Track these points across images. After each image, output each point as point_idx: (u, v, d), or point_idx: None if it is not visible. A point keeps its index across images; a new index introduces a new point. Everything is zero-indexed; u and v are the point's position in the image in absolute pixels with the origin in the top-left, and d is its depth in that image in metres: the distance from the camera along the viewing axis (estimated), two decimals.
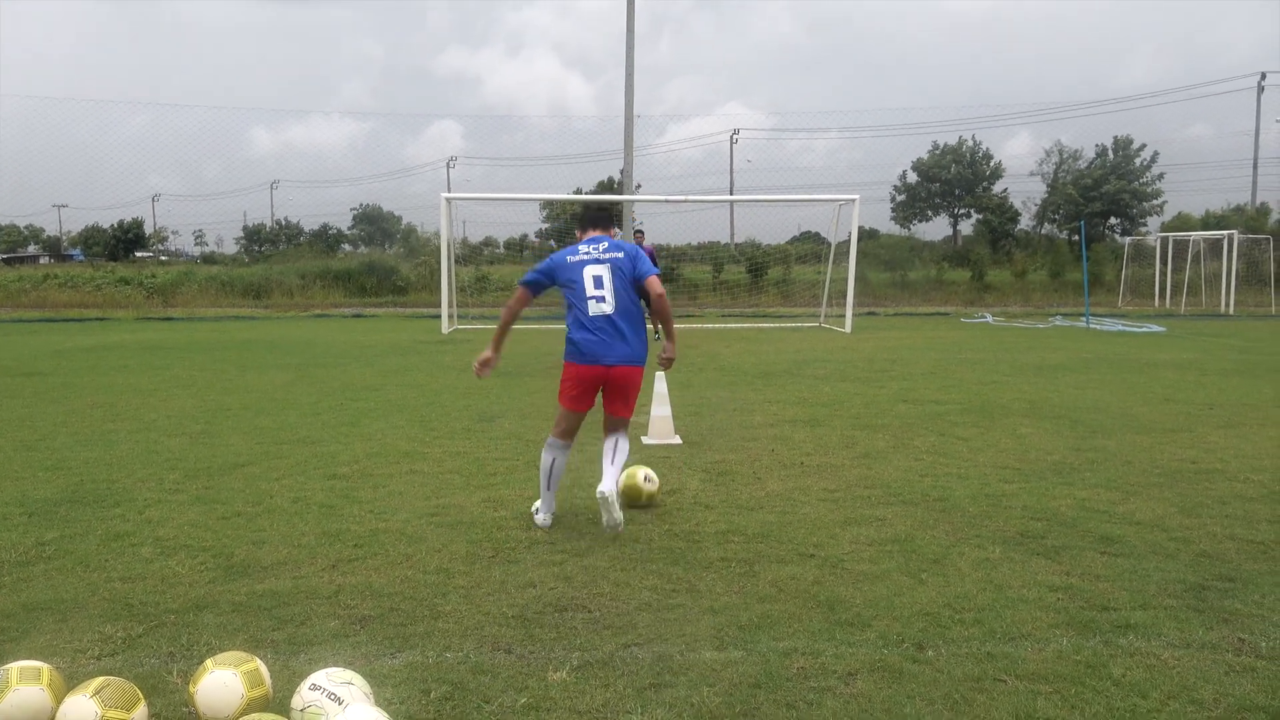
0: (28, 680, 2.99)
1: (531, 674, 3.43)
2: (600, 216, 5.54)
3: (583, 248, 5.28)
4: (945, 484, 6.18)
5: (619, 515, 5.00)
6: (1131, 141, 46.08)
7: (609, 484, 5.00)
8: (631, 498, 5.66)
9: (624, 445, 5.26)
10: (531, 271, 5.43)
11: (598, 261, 5.19)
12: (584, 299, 5.14)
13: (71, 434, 8.00)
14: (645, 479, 5.74)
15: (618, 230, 5.79)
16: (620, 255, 5.21)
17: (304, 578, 4.45)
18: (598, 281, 5.16)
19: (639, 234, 18.49)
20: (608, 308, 5.11)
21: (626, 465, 5.57)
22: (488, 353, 5.36)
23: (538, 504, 5.38)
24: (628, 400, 5.27)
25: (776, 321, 23.95)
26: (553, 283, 5.34)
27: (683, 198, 25.33)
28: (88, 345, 17.02)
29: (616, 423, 5.30)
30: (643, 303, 5.23)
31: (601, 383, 5.19)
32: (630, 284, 5.18)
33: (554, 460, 5.27)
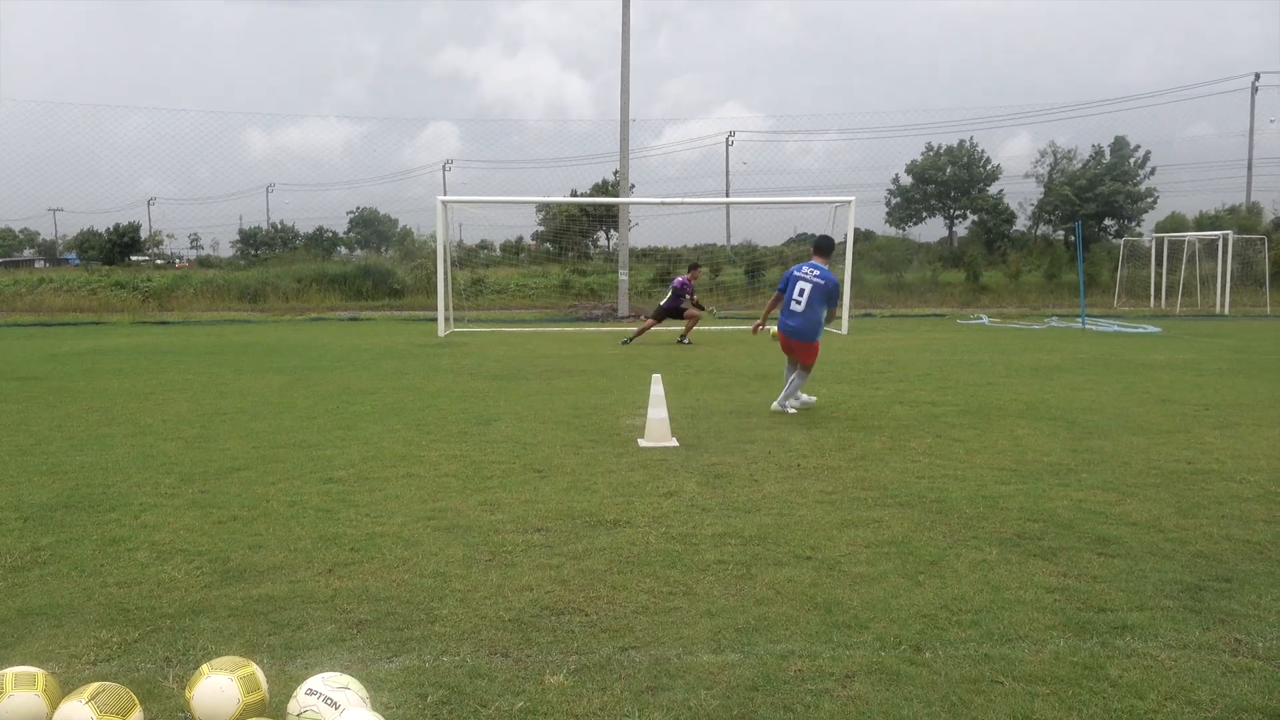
0: (23, 686, 2.98)
1: (528, 678, 3.43)
2: (826, 248, 9.61)
3: (805, 268, 9.21)
4: (942, 485, 6.18)
5: (786, 406, 9.22)
6: (1127, 143, 46.17)
7: (778, 402, 9.28)
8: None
9: (799, 376, 9.25)
10: (781, 281, 9.46)
11: (807, 279, 9.12)
12: (790, 299, 9.19)
13: (67, 438, 7.98)
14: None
15: (828, 259, 9.56)
16: (822, 282, 9.05)
17: (300, 582, 4.44)
18: (801, 291, 9.11)
19: (695, 267, 18.67)
20: (799, 308, 9.12)
21: (799, 387, 9.29)
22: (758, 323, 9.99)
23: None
24: (805, 353, 9.24)
25: (773, 324, 23.92)
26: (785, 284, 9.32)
27: (678, 199, 25.36)
28: (83, 349, 16.99)
29: (794, 363, 9.36)
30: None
31: (791, 344, 9.28)
32: (821, 298, 9.04)
33: (786, 370, 9.58)
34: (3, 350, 16.92)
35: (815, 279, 9.05)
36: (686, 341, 17.85)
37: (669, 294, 17.83)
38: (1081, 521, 5.32)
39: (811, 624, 3.90)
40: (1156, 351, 15.50)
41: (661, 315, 17.83)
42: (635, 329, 18.47)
